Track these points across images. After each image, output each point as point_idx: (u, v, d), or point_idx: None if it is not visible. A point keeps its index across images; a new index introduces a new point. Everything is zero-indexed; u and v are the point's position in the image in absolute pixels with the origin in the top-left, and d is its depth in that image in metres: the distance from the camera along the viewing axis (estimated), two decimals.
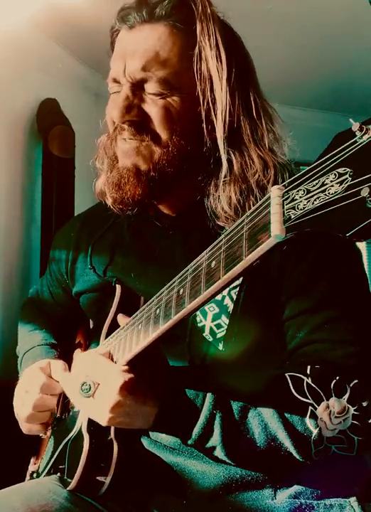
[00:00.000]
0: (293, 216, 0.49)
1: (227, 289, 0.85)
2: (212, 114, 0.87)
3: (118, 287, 0.97)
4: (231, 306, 0.85)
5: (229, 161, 0.87)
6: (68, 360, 1.13)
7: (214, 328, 0.85)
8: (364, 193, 0.43)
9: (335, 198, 0.46)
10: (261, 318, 0.86)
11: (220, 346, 0.85)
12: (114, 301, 0.95)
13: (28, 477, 1.11)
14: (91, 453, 0.85)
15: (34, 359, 1.09)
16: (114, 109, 0.87)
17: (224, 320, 0.85)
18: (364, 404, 0.74)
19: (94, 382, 0.75)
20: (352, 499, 0.86)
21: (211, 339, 0.86)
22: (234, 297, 0.85)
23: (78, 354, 1.13)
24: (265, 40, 2.22)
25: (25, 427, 1.04)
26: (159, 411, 0.75)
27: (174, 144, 0.87)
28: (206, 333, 0.86)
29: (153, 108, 0.86)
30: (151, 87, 0.86)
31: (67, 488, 0.88)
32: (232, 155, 0.87)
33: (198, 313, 0.86)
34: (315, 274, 0.84)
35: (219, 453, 0.77)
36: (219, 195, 0.88)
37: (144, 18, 0.86)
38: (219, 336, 0.85)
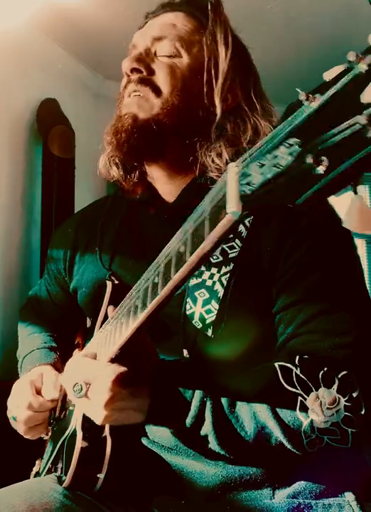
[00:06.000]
0: (248, 191, 0.49)
1: (218, 274, 0.88)
2: (213, 82, 0.96)
3: (108, 283, 0.98)
4: (221, 292, 0.86)
5: (224, 125, 0.95)
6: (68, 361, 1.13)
7: (204, 314, 0.87)
8: (309, 160, 0.43)
9: (285, 169, 0.46)
10: (251, 306, 0.88)
11: (209, 332, 0.86)
12: (105, 296, 0.96)
13: (31, 478, 1.12)
14: (84, 449, 0.85)
15: (33, 364, 1.10)
16: (125, 60, 0.97)
17: (214, 305, 0.86)
18: (355, 394, 0.74)
19: (85, 382, 0.75)
20: (351, 498, 0.86)
21: (200, 326, 0.87)
22: (225, 283, 0.87)
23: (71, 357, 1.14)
24: (264, 40, 2.22)
25: (27, 436, 1.05)
26: (151, 402, 0.76)
27: (174, 100, 0.95)
28: (195, 320, 0.87)
29: (160, 67, 0.97)
30: (162, 48, 0.97)
31: (62, 485, 0.89)
32: (227, 120, 0.95)
33: (189, 299, 0.88)
34: (307, 266, 0.85)
35: (212, 443, 0.77)
36: (211, 152, 0.94)
37: (166, 10, 1.02)
38: (208, 321, 0.86)
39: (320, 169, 0.42)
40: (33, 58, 2.17)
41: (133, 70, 0.96)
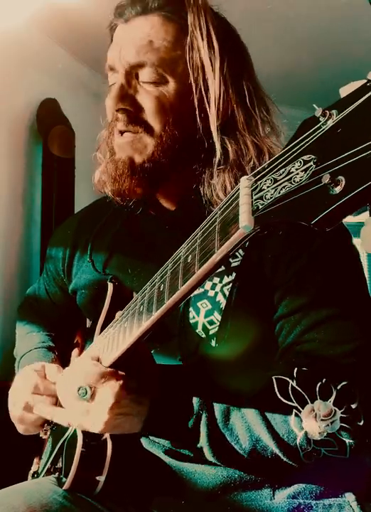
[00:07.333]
0: (260, 206, 0.49)
1: (220, 285, 0.86)
2: (205, 102, 0.89)
3: (110, 285, 0.97)
4: (223, 303, 0.85)
5: (224, 149, 0.89)
6: (66, 361, 1.13)
7: (207, 325, 0.85)
8: (326, 179, 0.42)
9: (300, 186, 0.45)
10: (254, 315, 0.87)
11: (213, 343, 0.85)
12: (106, 298, 0.96)
13: (29, 478, 1.11)
14: (84, 452, 0.85)
15: (30, 363, 1.09)
16: (109, 98, 0.90)
17: (217, 316, 0.85)
18: (354, 406, 0.73)
19: (90, 385, 0.73)
20: (351, 499, 0.85)
21: (204, 335, 0.86)
22: (227, 293, 0.85)
23: (73, 360, 1.13)
24: (264, 40, 2.22)
25: (21, 428, 1.02)
26: (150, 411, 0.75)
27: (167, 135, 0.89)
28: (199, 330, 0.86)
29: (146, 98, 0.88)
30: (144, 75, 0.88)
31: (63, 488, 0.89)
32: (227, 142, 0.89)
33: (191, 309, 0.87)
34: (310, 272, 0.84)
35: (207, 454, 0.77)
36: (214, 183, 0.89)
37: (138, 11, 0.89)
38: (211, 332, 0.85)
39: (337, 189, 0.41)
40: (33, 58, 2.16)
41: (119, 110, 0.90)
